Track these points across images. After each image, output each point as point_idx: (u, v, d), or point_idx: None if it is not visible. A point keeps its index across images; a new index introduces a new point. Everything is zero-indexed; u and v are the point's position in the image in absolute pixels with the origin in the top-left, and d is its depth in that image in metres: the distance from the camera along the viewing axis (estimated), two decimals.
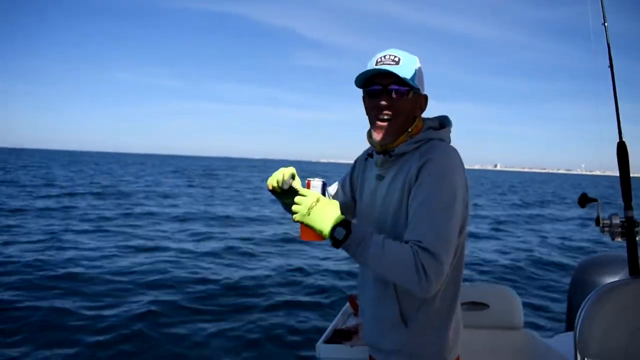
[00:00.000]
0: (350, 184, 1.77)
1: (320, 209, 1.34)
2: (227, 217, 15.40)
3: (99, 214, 14.48)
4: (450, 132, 1.57)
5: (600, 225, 2.04)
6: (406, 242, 1.33)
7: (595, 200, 2.08)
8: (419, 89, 1.51)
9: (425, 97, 1.55)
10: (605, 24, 2.16)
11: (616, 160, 2.09)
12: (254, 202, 21.38)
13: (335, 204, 1.39)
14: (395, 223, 1.47)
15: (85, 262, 8.03)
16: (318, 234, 1.36)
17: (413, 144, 1.49)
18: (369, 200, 1.62)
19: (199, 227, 12.93)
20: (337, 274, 7.84)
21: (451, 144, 1.55)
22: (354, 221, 1.39)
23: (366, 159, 1.69)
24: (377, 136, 1.50)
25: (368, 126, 1.57)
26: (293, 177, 1.50)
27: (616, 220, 2.02)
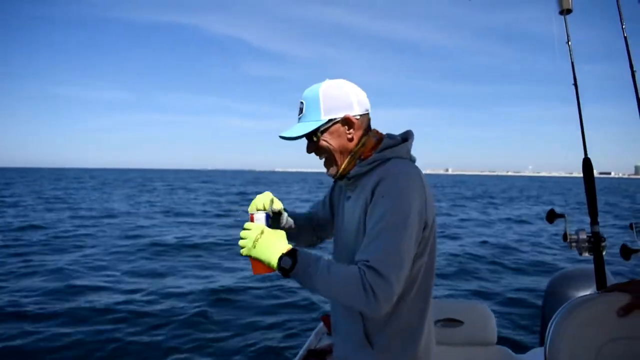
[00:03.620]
0: (330, 204, 1.79)
1: (266, 241, 1.37)
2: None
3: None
4: (409, 146, 1.52)
5: (568, 240, 2.06)
6: (356, 263, 1.32)
7: (562, 216, 2.10)
8: (328, 121, 1.47)
9: (347, 118, 1.48)
10: (569, 42, 2.20)
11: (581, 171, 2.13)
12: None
13: (281, 234, 1.40)
14: (356, 242, 1.45)
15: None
16: (267, 266, 1.37)
17: (366, 166, 1.48)
18: (340, 220, 1.65)
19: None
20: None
21: (410, 156, 1.52)
22: (301, 249, 1.38)
23: (335, 181, 1.69)
24: (327, 173, 1.58)
25: None
26: (272, 201, 1.60)
27: (583, 236, 2.05)
